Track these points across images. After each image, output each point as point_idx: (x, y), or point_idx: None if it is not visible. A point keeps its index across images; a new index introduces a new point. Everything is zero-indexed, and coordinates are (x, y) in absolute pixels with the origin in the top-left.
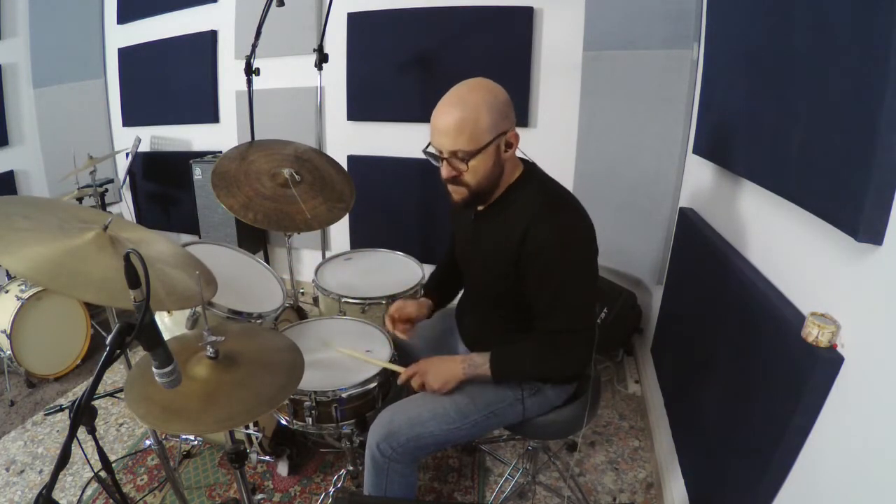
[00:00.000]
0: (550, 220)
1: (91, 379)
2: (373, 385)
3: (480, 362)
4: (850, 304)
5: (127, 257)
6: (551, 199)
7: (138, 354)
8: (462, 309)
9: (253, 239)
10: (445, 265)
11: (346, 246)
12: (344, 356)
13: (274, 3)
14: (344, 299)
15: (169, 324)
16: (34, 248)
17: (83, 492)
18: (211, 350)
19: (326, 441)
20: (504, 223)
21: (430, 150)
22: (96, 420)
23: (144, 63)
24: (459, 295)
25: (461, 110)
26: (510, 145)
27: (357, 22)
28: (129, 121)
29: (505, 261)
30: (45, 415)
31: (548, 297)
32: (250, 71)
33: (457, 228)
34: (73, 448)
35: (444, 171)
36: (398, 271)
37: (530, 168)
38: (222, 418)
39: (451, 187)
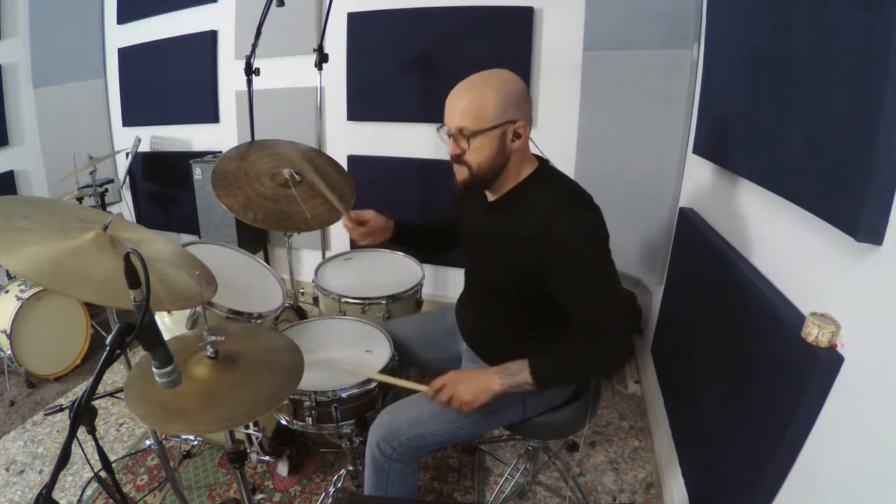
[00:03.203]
0: (578, 215)
1: (91, 379)
2: (373, 385)
3: (517, 370)
4: (850, 304)
5: (127, 257)
6: (574, 196)
7: (138, 354)
8: (462, 304)
9: (253, 239)
10: (430, 225)
11: (346, 246)
12: (358, 371)
13: (274, 3)
14: (344, 299)
15: (169, 324)
16: (34, 248)
17: (83, 492)
18: (211, 350)
19: (326, 441)
20: (521, 216)
21: (444, 129)
22: (96, 420)
23: (144, 63)
24: (460, 291)
25: (472, 91)
26: (518, 136)
27: (357, 22)
28: (129, 121)
29: (520, 253)
30: (45, 415)
31: (586, 290)
32: (250, 71)
33: (464, 218)
34: (73, 448)
35: (450, 148)
36: (398, 271)
37: (544, 165)
38: (222, 418)
39: (455, 167)
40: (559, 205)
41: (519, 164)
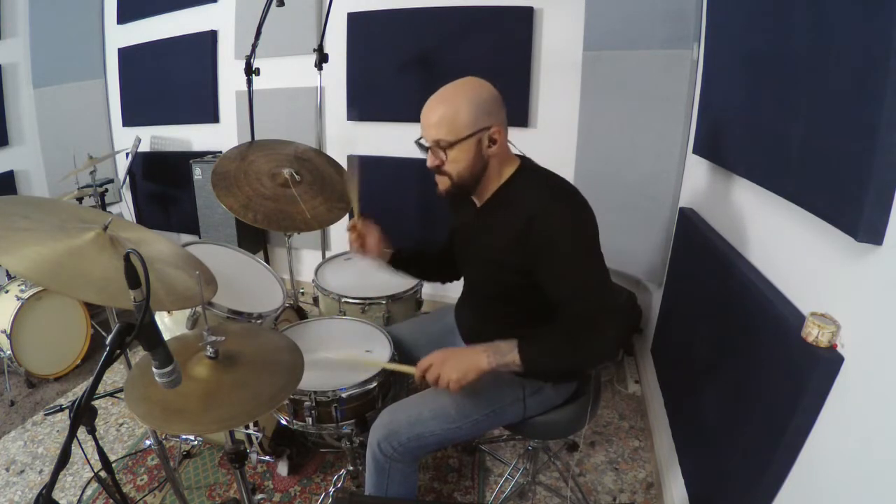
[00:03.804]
0: (561, 208)
1: (91, 379)
2: (373, 385)
3: (506, 349)
4: (850, 304)
5: (127, 257)
6: (556, 189)
7: (138, 354)
8: (462, 304)
9: (253, 239)
10: (432, 251)
11: (346, 246)
12: (349, 360)
13: (274, 3)
14: (344, 299)
15: (169, 324)
16: (34, 248)
17: (83, 492)
18: (211, 350)
19: (326, 441)
20: (506, 216)
21: (421, 141)
22: (96, 420)
23: (144, 63)
24: (460, 290)
25: (444, 104)
26: (494, 141)
27: (357, 22)
28: (129, 121)
29: (509, 253)
30: (45, 415)
31: (572, 282)
32: (250, 71)
33: (456, 224)
34: (73, 448)
35: (429, 161)
36: None
37: (526, 163)
38: (222, 418)
39: (437, 177)
40: (541, 199)
41: (499, 166)
